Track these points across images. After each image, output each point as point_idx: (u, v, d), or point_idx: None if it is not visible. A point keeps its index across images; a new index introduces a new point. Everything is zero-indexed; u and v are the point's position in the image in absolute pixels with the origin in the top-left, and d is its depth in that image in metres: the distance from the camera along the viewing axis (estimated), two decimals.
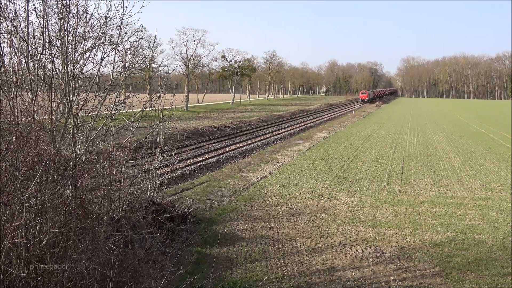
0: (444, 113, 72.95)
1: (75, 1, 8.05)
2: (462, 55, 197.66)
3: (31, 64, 7.75)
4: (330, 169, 21.73)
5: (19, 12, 7.82)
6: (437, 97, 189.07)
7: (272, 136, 37.58)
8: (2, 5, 7.72)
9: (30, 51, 7.77)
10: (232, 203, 15.63)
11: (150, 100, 10.72)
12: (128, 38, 9.99)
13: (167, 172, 15.80)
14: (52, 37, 8.01)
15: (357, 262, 10.48)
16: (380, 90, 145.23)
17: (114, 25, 8.40)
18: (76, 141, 7.84)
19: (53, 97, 7.71)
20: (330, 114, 66.38)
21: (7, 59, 8.18)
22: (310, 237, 12.10)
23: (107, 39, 8.59)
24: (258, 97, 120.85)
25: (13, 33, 7.73)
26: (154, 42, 52.12)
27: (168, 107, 13.62)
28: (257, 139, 35.18)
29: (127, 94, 12.60)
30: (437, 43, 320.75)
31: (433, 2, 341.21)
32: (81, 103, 8.07)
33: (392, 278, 9.60)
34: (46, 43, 7.83)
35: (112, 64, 8.65)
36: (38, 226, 6.15)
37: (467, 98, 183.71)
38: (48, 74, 7.91)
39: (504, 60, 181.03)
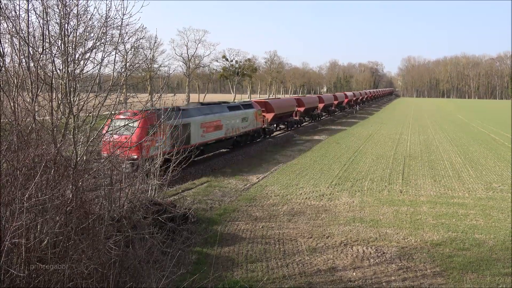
0: (445, 113, 72.85)
1: (75, 1, 8.05)
2: (463, 54, 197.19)
3: (31, 64, 7.75)
4: (331, 169, 21.72)
5: (19, 12, 7.83)
6: (438, 97, 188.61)
7: (272, 135, 37.47)
8: (3, 6, 7.73)
9: (31, 51, 7.78)
10: (233, 203, 15.62)
11: (151, 100, 10.73)
12: (129, 38, 9.96)
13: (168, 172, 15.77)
14: (53, 37, 8.02)
15: (358, 262, 10.47)
16: (336, 95, 64.94)
17: (114, 25, 8.39)
18: (77, 141, 7.84)
19: (53, 97, 7.71)
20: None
21: (7, 59, 8.19)
22: (311, 237, 12.09)
23: (107, 39, 8.58)
24: (259, 97, 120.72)
25: (13, 33, 7.73)
26: (155, 42, 52.20)
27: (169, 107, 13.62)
28: (258, 138, 35.08)
29: (127, 94, 12.60)
30: (438, 42, 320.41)
31: (434, 2, 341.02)
32: (82, 103, 8.07)
33: (393, 278, 9.59)
34: (47, 43, 7.83)
35: (113, 64, 8.65)
36: (38, 226, 6.15)
37: (468, 98, 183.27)
38: (48, 74, 7.91)
39: (505, 59, 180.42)
